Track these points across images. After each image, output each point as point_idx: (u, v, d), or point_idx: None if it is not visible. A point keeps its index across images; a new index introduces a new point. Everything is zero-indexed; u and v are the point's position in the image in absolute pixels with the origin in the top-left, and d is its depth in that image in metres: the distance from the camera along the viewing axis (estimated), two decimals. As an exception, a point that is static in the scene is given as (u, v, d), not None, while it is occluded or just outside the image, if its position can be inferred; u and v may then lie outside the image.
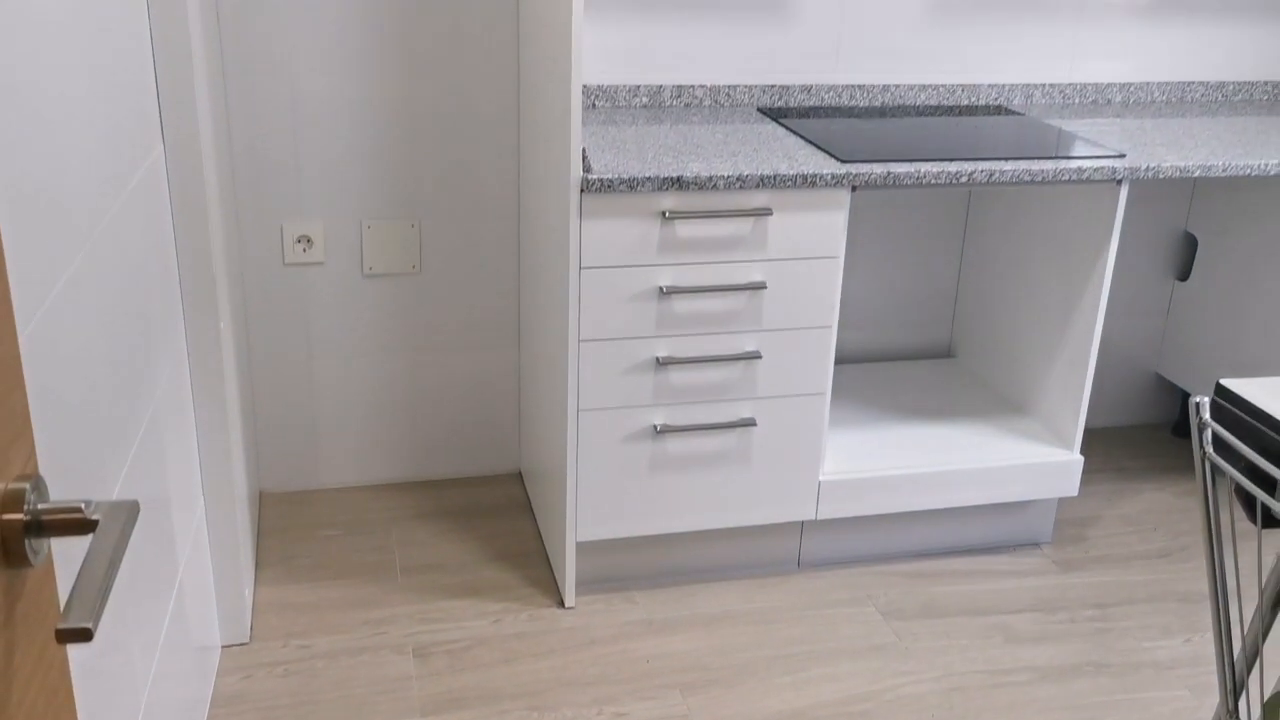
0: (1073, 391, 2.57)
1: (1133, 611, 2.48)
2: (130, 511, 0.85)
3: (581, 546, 2.45)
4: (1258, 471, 1.47)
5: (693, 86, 2.69)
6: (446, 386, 2.83)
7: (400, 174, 2.63)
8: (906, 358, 3.05)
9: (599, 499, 2.35)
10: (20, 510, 0.77)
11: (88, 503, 0.82)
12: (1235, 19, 2.94)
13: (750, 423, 2.36)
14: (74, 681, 1.17)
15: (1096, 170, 2.33)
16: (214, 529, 2.14)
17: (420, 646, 2.29)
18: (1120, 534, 2.77)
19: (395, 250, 2.68)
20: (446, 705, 2.14)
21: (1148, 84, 2.95)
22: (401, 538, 2.65)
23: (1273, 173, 2.40)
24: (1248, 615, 2.40)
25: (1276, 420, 1.48)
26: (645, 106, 2.68)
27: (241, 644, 2.27)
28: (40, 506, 0.80)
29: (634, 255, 2.20)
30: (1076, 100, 2.92)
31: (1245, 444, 1.45)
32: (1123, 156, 2.38)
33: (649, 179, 2.13)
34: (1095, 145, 2.47)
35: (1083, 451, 3.12)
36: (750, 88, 2.72)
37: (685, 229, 2.21)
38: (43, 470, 1.12)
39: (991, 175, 2.29)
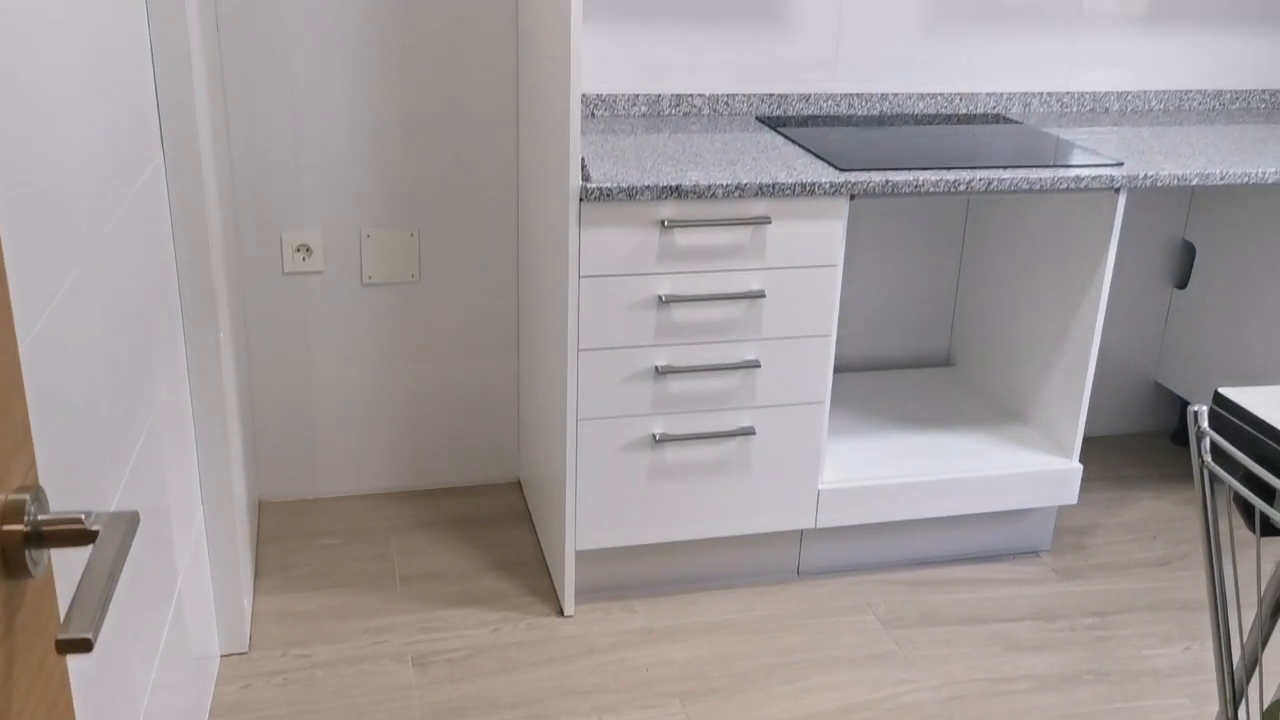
0: (1071, 400, 2.57)
1: (1132, 620, 2.48)
2: (130, 522, 0.85)
3: (581, 555, 2.45)
4: (1256, 480, 1.48)
5: (691, 95, 2.70)
6: (446, 395, 2.83)
7: (399, 183, 2.64)
8: (905, 366, 3.06)
9: (598, 508, 2.35)
10: (20, 521, 0.77)
11: (88, 513, 0.82)
12: (1232, 28, 2.95)
13: (749, 431, 2.36)
14: (73, 692, 1.17)
15: (1094, 179, 2.33)
16: (213, 538, 2.14)
17: (420, 656, 2.29)
18: (1120, 542, 2.77)
19: (394, 259, 2.68)
20: (446, 714, 2.13)
21: (1145, 92, 2.96)
22: (401, 547, 2.65)
23: (1270, 181, 2.41)
24: (1247, 623, 2.40)
25: (1275, 429, 1.48)
26: (644, 115, 2.68)
27: (240, 653, 2.27)
28: (40, 517, 0.80)
29: (633, 264, 2.20)
30: (1074, 109, 2.93)
31: (1244, 453, 1.45)
32: (1121, 165, 2.39)
33: (648, 188, 2.14)
34: (1093, 154, 2.47)
35: (1082, 460, 3.12)
36: (749, 96, 2.73)
37: (684, 238, 2.21)
38: (42, 480, 1.12)
39: (990, 184, 2.29)
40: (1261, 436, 1.50)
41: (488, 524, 2.75)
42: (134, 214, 1.62)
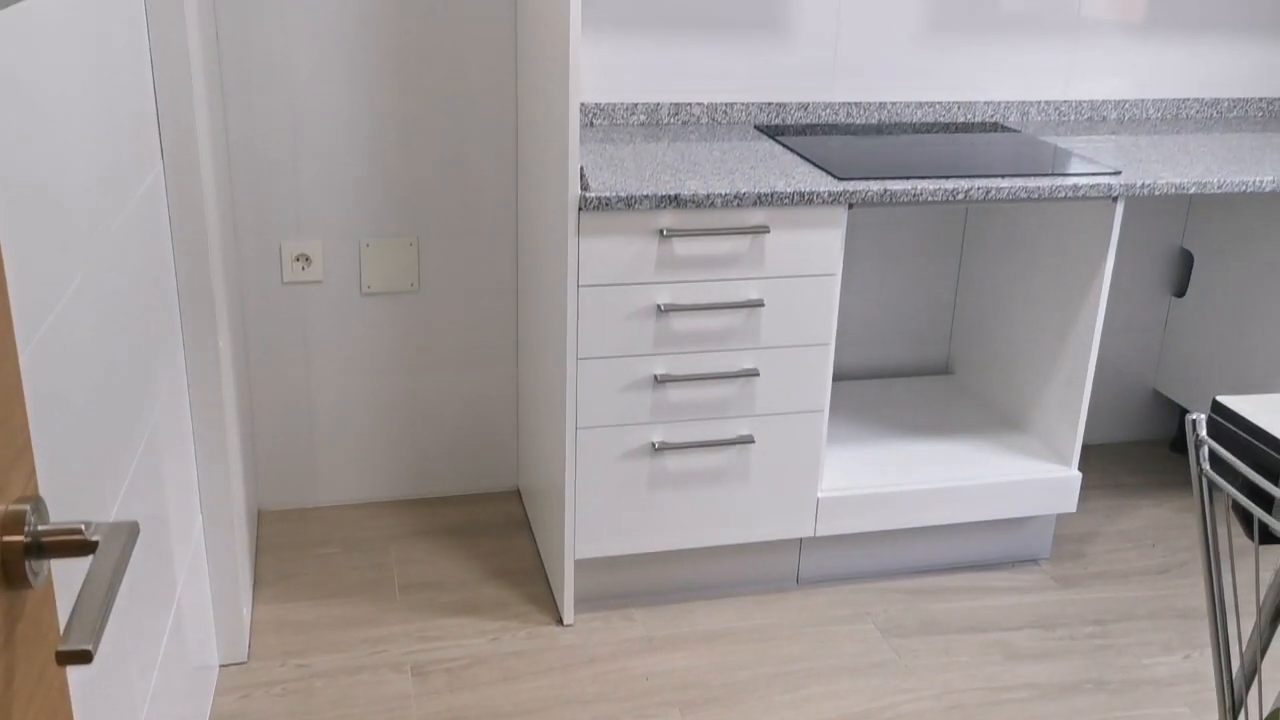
0: (1070, 408, 2.57)
1: (1132, 628, 2.48)
2: (130, 532, 0.85)
3: (580, 564, 2.45)
4: (1255, 488, 1.48)
5: (690, 104, 2.71)
6: (445, 404, 2.83)
7: (398, 192, 2.64)
8: (904, 374, 3.06)
9: (597, 516, 2.35)
10: (21, 532, 0.77)
11: (88, 524, 0.82)
12: (1230, 36, 2.96)
13: (748, 440, 2.36)
14: (73, 703, 1.17)
15: (1092, 187, 2.33)
16: (212, 548, 2.14)
17: (419, 665, 2.28)
18: (1119, 550, 2.77)
19: (394, 268, 2.69)
20: (445, 724, 2.13)
21: (1143, 101, 2.96)
22: (400, 555, 2.65)
23: (1267, 189, 2.41)
24: (1247, 631, 2.40)
25: (1273, 437, 1.48)
26: (643, 124, 2.69)
27: (239, 663, 2.26)
28: (41, 528, 0.80)
29: (632, 273, 2.21)
30: (1072, 117, 2.93)
31: (1242, 461, 1.45)
32: (1118, 173, 2.39)
33: (647, 197, 2.14)
34: (1091, 162, 2.48)
35: (1081, 468, 3.12)
36: (747, 105, 2.74)
37: (683, 247, 2.22)
38: (41, 490, 1.12)
39: (988, 192, 2.29)
40: (1260, 444, 1.50)
41: (487, 533, 2.75)
42: (133, 223, 1.62)
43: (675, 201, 2.16)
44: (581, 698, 2.21)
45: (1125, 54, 2.92)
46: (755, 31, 2.68)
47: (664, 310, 2.24)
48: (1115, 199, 2.38)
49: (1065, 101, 2.91)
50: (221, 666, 2.26)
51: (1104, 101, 2.94)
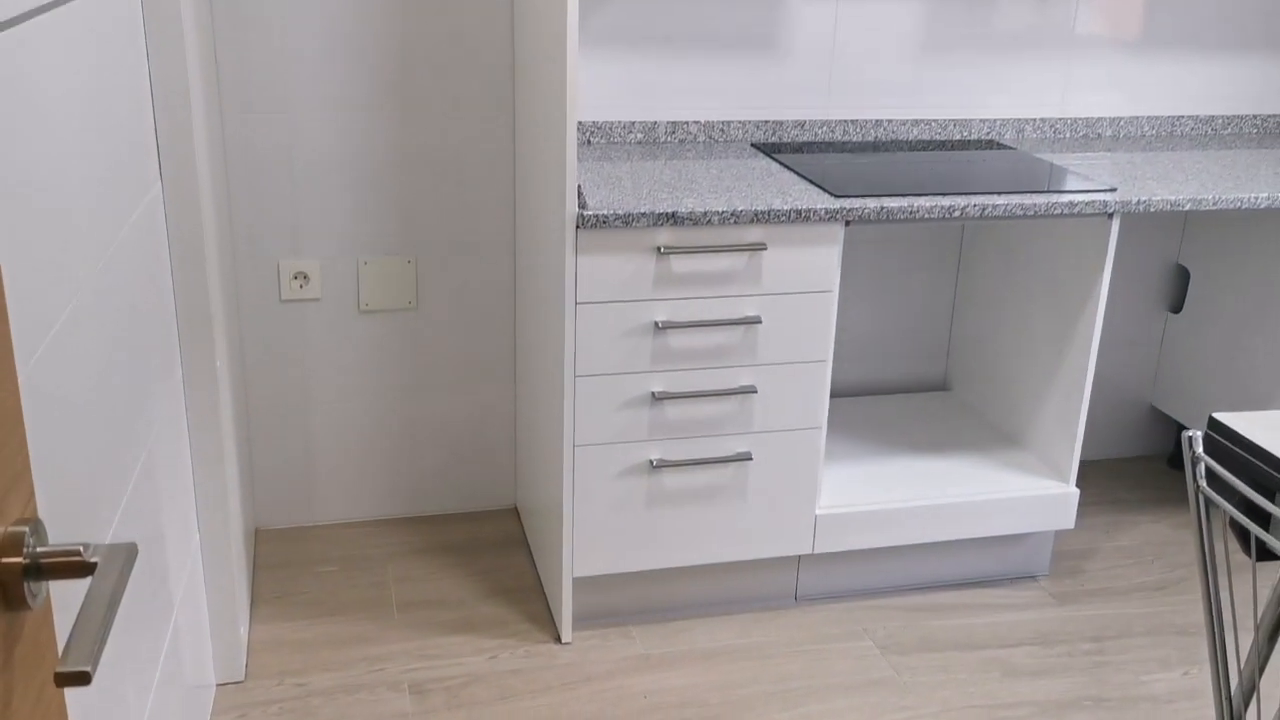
0: (1068, 424, 2.57)
1: (1130, 645, 2.48)
2: (129, 554, 0.85)
3: (578, 582, 2.45)
4: (1253, 505, 1.48)
5: (687, 122, 2.72)
6: (443, 422, 2.83)
7: (396, 210, 2.65)
8: (902, 391, 3.06)
9: (595, 534, 2.35)
10: (19, 554, 0.77)
11: (86, 545, 0.82)
12: (1224, 54, 2.98)
13: (746, 457, 2.36)
14: (70, 723, 1.17)
15: (1088, 204, 2.34)
16: (209, 566, 2.14)
17: (417, 683, 2.28)
18: (1117, 566, 2.77)
19: (391, 286, 2.69)
20: (443, 743, 2.12)
21: (1138, 118, 2.98)
22: (398, 574, 2.65)
23: (1262, 205, 2.42)
24: (1245, 646, 2.40)
25: (1270, 454, 1.49)
26: (640, 142, 2.70)
27: (237, 682, 2.26)
28: (39, 550, 0.80)
29: (629, 290, 2.21)
30: (1067, 134, 2.95)
31: (1239, 478, 1.45)
32: (1114, 190, 2.40)
33: (644, 214, 2.15)
34: (1086, 179, 2.49)
35: (1079, 484, 3.12)
36: (744, 123, 2.75)
37: (680, 264, 2.22)
38: (40, 511, 1.12)
39: (984, 210, 2.30)
40: (1256, 461, 1.50)
41: (485, 551, 2.75)
42: (132, 243, 1.63)
43: (672, 219, 2.16)
44: (580, 716, 2.20)
45: (1120, 71, 2.93)
46: (752, 50, 2.70)
47: (661, 327, 2.24)
48: (1111, 216, 2.39)
49: (1060, 119, 2.93)
50: (219, 686, 2.25)
51: (1099, 118, 2.95)
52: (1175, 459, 3.27)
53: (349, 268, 2.66)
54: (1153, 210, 2.37)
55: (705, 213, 2.17)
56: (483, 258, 2.72)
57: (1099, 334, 2.48)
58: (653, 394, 2.28)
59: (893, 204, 2.26)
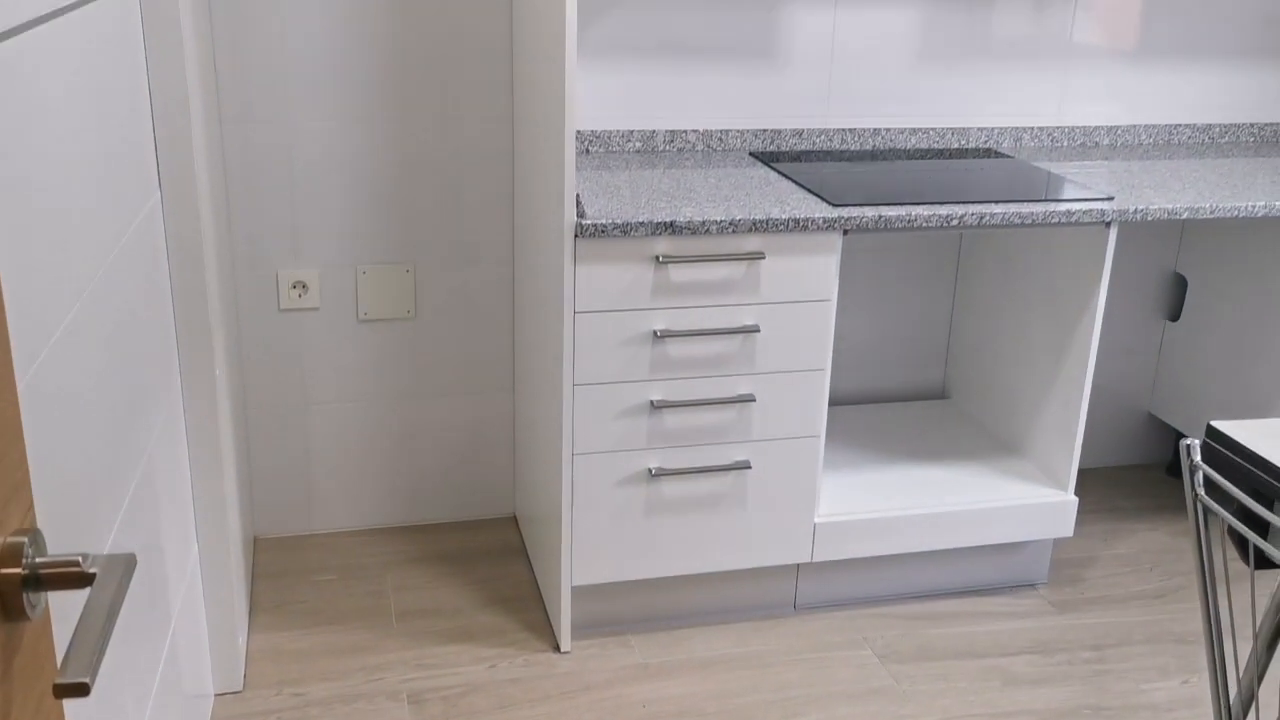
0: (1066, 432, 2.57)
1: (1130, 653, 2.48)
2: (127, 564, 0.85)
3: (577, 590, 2.44)
4: (1251, 513, 1.48)
5: (685, 131, 2.72)
6: (441, 431, 2.83)
7: (395, 220, 2.65)
8: (900, 399, 3.06)
9: (594, 543, 2.35)
10: (18, 564, 0.77)
11: (85, 556, 0.82)
12: (1220, 62, 2.98)
13: (745, 465, 2.36)
14: (68, 734, 1.17)
15: (1085, 213, 2.35)
16: (208, 576, 2.13)
17: (415, 693, 2.28)
18: (1116, 574, 2.77)
19: (390, 295, 2.69)
20: (442, 753, 2.12)
21: (1135, 127, 2.98)
22: (396, 583, 2.64)
23: (1259, 214, 2.43)
24: (1244, 654, 2.40)
25: (1268, 462, 1.49)
26: (638, 151, 2.70)
27: (235, 692, 2.25)
28: (38, 560, 0.80)
29: (628, 299, 2.21)
30: (1065, 143, 2.95)
31: (1237, 486, 1.45)
32: (1111, 199, 2.40)
33: (642, 224, 2.15)
34: (1084, 188, 2.49)
35: (1077, 492, 3.12)
36: (742, 132, 2.75)
37: (679, 273, 2.22)
38: (38, 521, 1.12)
39: (982, 218, 2.31)
40: (1254, 469, 1.50)
41: (484, 559, 2.75)
42: (131, 252, 1.63)
43: (671, 228, 2.17)
44: (579, 725, 2.20)
45: (1117, 80, 2.94)
46: (750, 59, 2.70)
47: (660, 336, 2.24)
48: (1108, 224, 2.40)
49: (1058, 127, 2.93)
50: (217, 695, 2.25)
51: (1096, 127, 2.96)
52: (1173, 467, 3.27)
53: (348, 276, 2.66)
54: (1150, 219, 2.37)
55: (704, 222, 2.17)
56: (482, 267, 2.73)
57: (1097, 342, 2.48)
58: (651, 402, 2.28)
59: (891, 213, 2.27)
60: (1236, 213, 2.41)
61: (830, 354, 2.34)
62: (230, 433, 2.27)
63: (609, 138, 2.69)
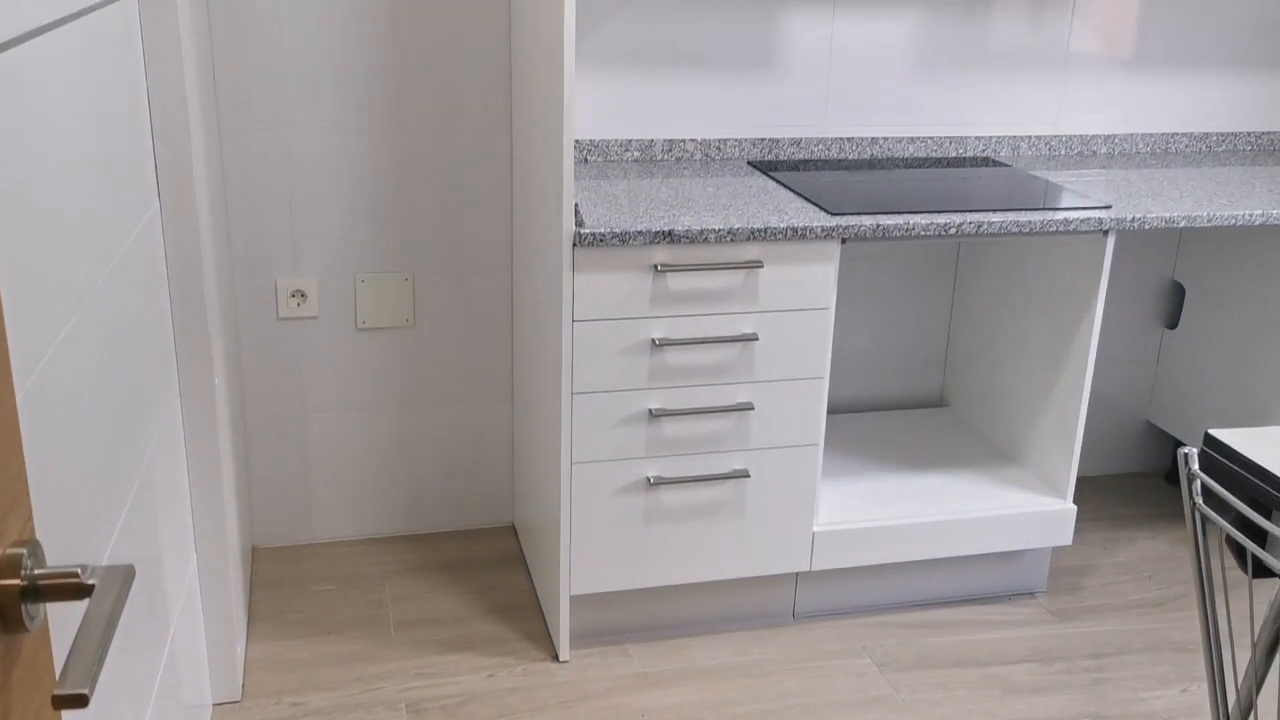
0: (1065, 440, 2.58)
1: (1129, 661, 2.48)
2: (126, 576, 0.85)
3: (575, 599, 2.44)
4: (1249, 521, 1.48)
5: (683, 140, 2.73)
6: (440, 440, 2.83)
7: (394, 228, 2.65)
8: (899, 408, 3.07)
9: (593, 552, 2.35)
10: (17, 576, 0.77)
11: (84, 567, 0.82)
12: (1217, 71, 2.99)
13: (743, 474, 2.36)
14: (66, 744, 1.17)
15: (1083, 221, 2.35)
16: (206, 586, 2.13)
17: (414, 702, 2.27)
18: (1116, 583, 2.77)
19: (389, 304, 2.69)
20: (440, 762, 2.12)
21: (1132, 135, 2.99)
22: (395, 592, 2.64)
23: (1257, 222, 2.43)
24: (1243, 662, 2.39)
25: (1265, 471, 1.49)
26: (637, 160, 2.71)
27: (233, 702, 2.25)
28: (37, 572, 0.80)
29: (626, 308, 2.22)
30: (1063, 152, 2.96)
31: (1235, 494, 1.46)
32: (1109, 208, 2.41)
33: (641, 232, 2.15)
34: (1082, 196, 2.50)
35: (1076, 500, 3.12)
36: (740, 141, 2.76)
37: (677, 282, 2.23)
38: (37, 532, 1.12)
39: (980, 227, 2.31)
40: (1252, 478, 1.50)
41: (482, 568, 2.75)
42: (130, 262, 1.63)
43: (669, 237, 2.17)
44: (577, 735, 2.20)
45: (1114, 89, 2.94)
46: (748, 68, 2.71)
47: (658, 345, 2.25)
48: (1106, 233, 2.40)
49: (1055, 136, 2.94)
50: (215, 705, 2.24)
51: (1094, 136, 2.96)
52: (1172, 475, 3.27)
53: (346, 285, 2.67)
54: (1147, 227, 2.37)
55: (702, 230, 2.18)
56: (480, 275, 2.73)
57: (1095, 350, 2.48)
58: (650, 411, 2.28)
59: (889, 221, 2.27)
60: (1234, 221, 2.42)
61: (829, 362, 2.34)
62: (229, 442, 2.27)
63: (607, 147, 2.69)
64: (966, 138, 2.89)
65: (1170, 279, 3.13)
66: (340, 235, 2.63)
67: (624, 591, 2.46)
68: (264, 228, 2.58)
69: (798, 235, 2.23)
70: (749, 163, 2.73)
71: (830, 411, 3.02)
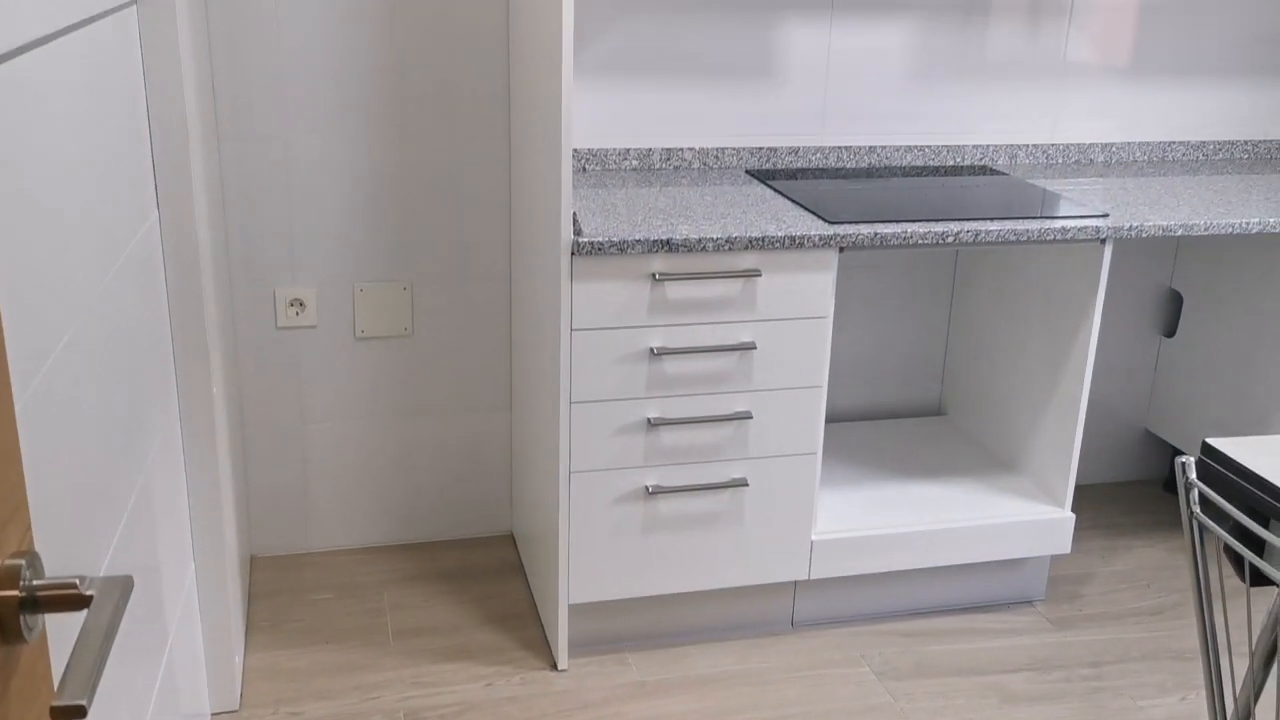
0: (1063, 448, 2.58)
1: (1128, 670, 2.48)
2: (124, 587, 0.85)
3: (574, 608, 2.44)
4: (1246, 530, 1.48)
5: (682, 149, 2.73)
6: (438, 449, 2.83)
7: (392, 237, 2.66)
8: (897, 416, 3.07)
9: (591, 560, 2.35)
10: (16, 587, 0.77)
11: (83, 578, 0.82)
12: (1214, 80, 3.00)
13: (742, 483, 2.36)
14: (64, 755, 1.16)
15: (1080, 230, 2.36)
16: (205, 595, 2.13)
17: (412, 711, 2.27)
18: (1114, 591, 2.77)
19: (387, 313, 2.70)
20: (439, 772, 2.11)
21: (1129, 144, 3.00)
22: (393, 601, 2.64)
23: (1253, 231, 2.44)
24: (1242, 671, 2.39)
25: (1263, 480, 1.49)
26: (635, 169, 2.71)
27: (231, 711, 2.25)
28: (36, 583, 0.80)
29: (625, 317, 2.22)
30: (1060, 160, 2.96)
31: (1232, 503, 1.46)
32: (1106, 216, 2.41)
33: (639, 241, 2.16)
34: (1079, 205, 2.50)
35: (1074, 508, 3.12)
36: (738, 150, 2.76)
37: (675, 290, 2.23)
38: (35, 542, 1.12)
39: (977, 235, 2.31)
40: (1250, 487, 1.51)
41: (481, 577, 2.74)
42: (129, 272, 1.63)
43: (667, 246, 2.17)
44: (576, 744, 2.20)
45: (1111, 97, 2.95)
46: (746, 77, 2.71)
47: (657, 354, 2.25)
48: (1103, 241, 2.40)
49: (1053, 144, 2.95)
50: (213, 715, 2.24)
51: (1091, 144, 2.97)
52: (1170, 483, 3.27)
53: (345, 294, 2.67)
54: (1145, 236, 2.38)
55: (700, 239, 2.18)
56: (478, 284, 2.73)
57: (1093, 359, 2.49)
58: (648, 420, 2.29)
59: (887, 230, 2.27)
60: (1231, 230, 2.42)
61: (827, 371, 2.35)
62: (227, 451, 2.27)
63: (606, 156, 2.69)
64: (964, 146, 2.89)
65: (1168, 287, 3.13)
66: (339, 244, 2.63)
67: (622, 600, 2.46)
68: (262, 236, 2.59)
69: (796, 244, 2.23)
70: (747, 171, 2.74)
71: (828, 420, 3.02)
